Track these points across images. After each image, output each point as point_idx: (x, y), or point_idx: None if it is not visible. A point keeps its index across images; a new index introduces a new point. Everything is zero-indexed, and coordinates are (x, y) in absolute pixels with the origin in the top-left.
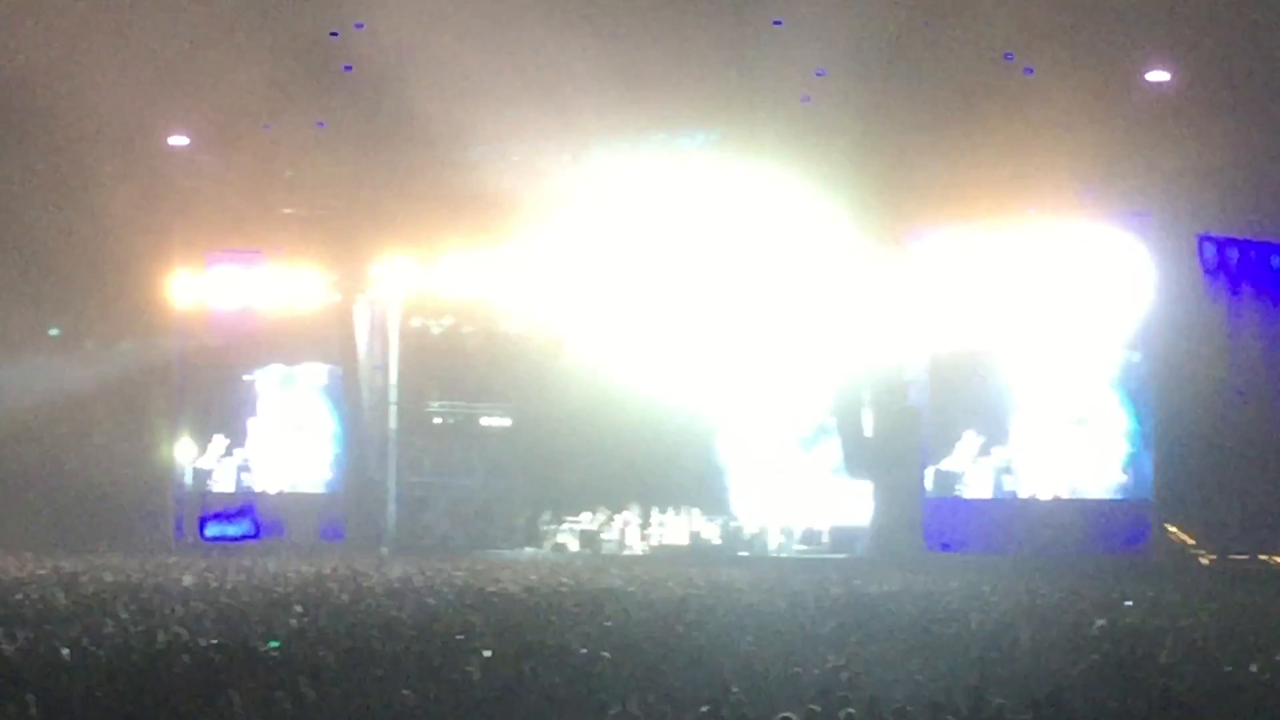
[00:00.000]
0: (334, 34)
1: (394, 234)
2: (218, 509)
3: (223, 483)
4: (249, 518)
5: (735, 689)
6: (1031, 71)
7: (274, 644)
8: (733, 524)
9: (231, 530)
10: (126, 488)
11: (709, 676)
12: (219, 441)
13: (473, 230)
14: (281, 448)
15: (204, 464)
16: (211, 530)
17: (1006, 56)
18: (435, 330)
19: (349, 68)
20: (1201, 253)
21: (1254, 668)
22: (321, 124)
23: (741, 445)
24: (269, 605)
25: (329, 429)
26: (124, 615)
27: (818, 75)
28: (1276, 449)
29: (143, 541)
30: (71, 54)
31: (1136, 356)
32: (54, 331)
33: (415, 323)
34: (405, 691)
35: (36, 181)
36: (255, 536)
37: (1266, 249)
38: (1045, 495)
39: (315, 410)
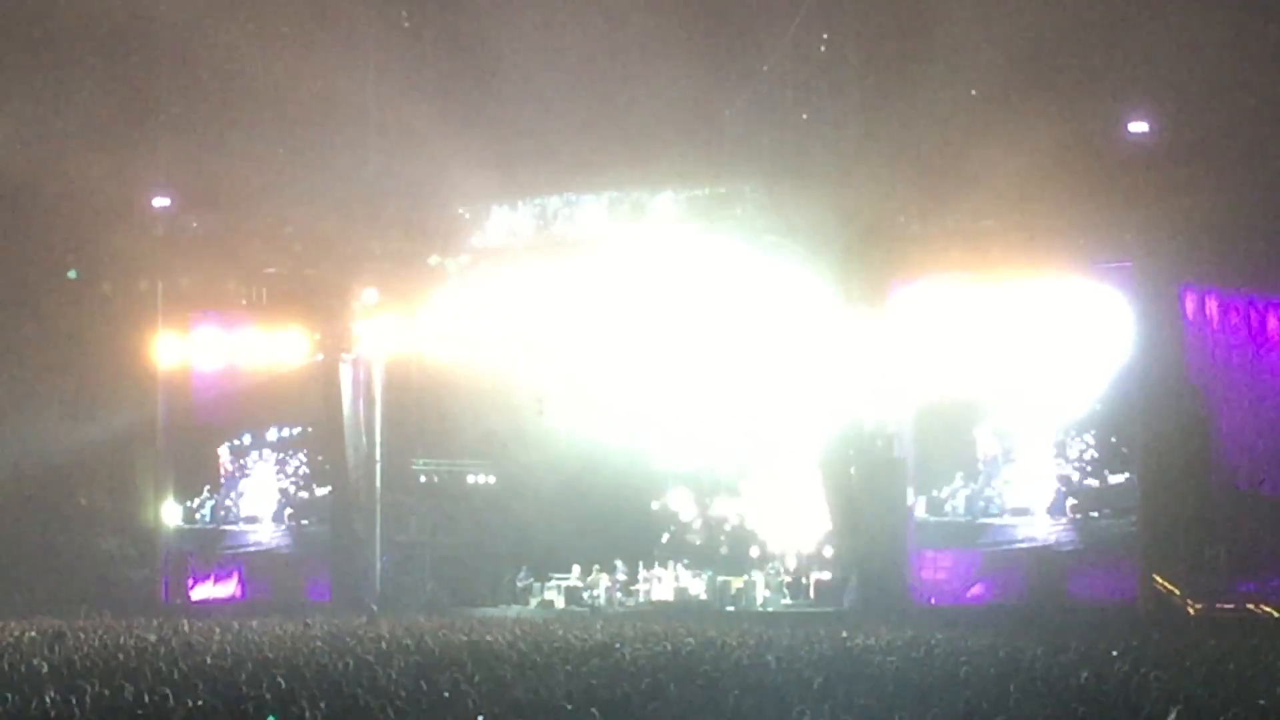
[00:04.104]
0: None
1: (378, 291)
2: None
3: (209, 544)
4: None
5: None
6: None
7: (271, 718)
8: (719, 579)
9: None
10: (112, 550)
11: None
12: (203, 502)
13: (455, 288)
14: (265, 507)
15: (189, 524)
16: None
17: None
18: (419, 389)
19: None
20: (1183, 303)
21: (1240, 715)
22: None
23: (728, 500)
24: (256, 666)
25: (313, 488)
26: (110, 677)
27: (799, 123)
28: (1262, 498)
29: (129, 603)
30: (57, 116)
31: (1120, 406)
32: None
33: (399, 381)
34: None
35: (21, 244)
36: None
37: (1248, 299)
38: (1030, 544)
39: (300, 469)
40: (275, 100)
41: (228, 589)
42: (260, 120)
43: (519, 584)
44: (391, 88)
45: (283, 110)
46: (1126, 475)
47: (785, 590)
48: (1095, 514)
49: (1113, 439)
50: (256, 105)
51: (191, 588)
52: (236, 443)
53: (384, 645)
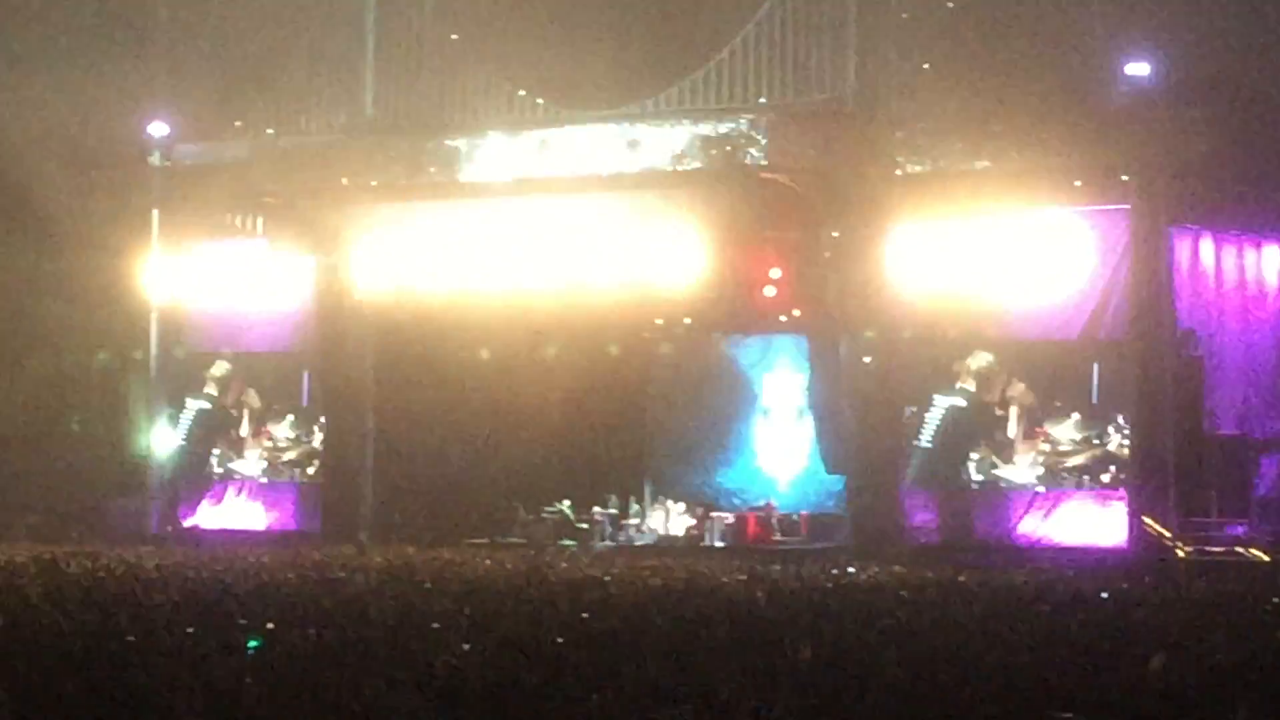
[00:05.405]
0: None
1: (374, 224)
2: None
3: (200, 472)
4: None
5: (711, 680)
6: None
7: (253, 643)
8: (713, 514)
9: None
10: (103, 476)
11: (686, 668)
12: (195, 429)
13: (454, 219)
14: (259, 435)
15: (180, 453)
16: None
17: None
18: (414, 320)
19: None
20: (1177, 245)
21: (1230, 660)
22: None
23: (722, 435)
24: (246, 595)
25: (306, 417)
26: (101, 605)
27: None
28: (1255, 442)
29: (119, 531)
30: (49, 43)
31: (1111, 348)
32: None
33: (394, 312)
34: (377, 682)
35: (15, 175)
36: None
37: (1241, 241)
38: (1014, 485)
39: (293, 398)
40: (274, 28)
41: (218, 518)
42: (259, 49)
43: (519, 516)
44: (391, 14)
45: (282, 38)
46: (1117, 418)
47: (776, 526)
48: (1082, 457)
49: (1095, 382)
50: (256, 33)
51: (183, 517)
52: (228, 370)
53: (374, 576)
